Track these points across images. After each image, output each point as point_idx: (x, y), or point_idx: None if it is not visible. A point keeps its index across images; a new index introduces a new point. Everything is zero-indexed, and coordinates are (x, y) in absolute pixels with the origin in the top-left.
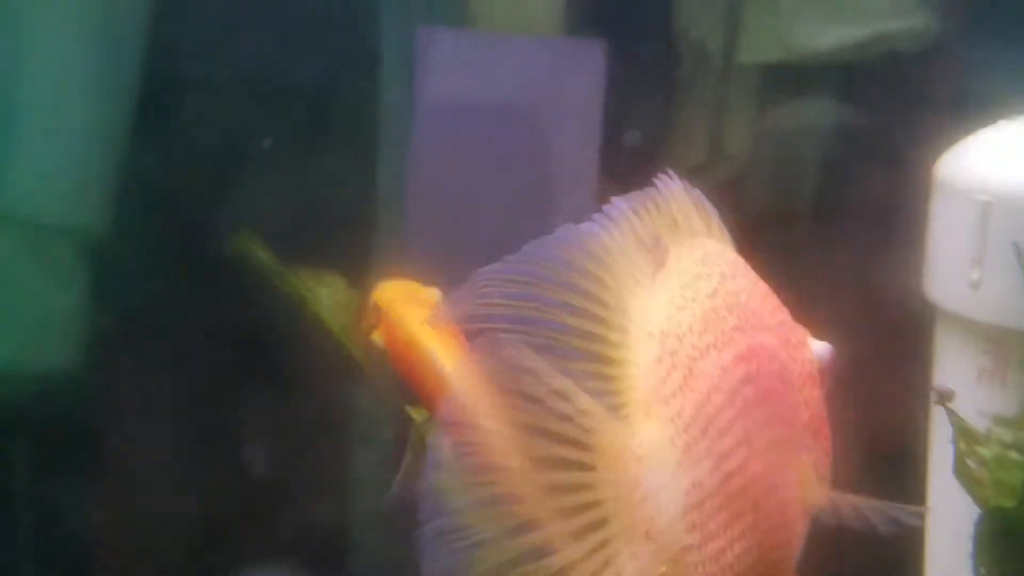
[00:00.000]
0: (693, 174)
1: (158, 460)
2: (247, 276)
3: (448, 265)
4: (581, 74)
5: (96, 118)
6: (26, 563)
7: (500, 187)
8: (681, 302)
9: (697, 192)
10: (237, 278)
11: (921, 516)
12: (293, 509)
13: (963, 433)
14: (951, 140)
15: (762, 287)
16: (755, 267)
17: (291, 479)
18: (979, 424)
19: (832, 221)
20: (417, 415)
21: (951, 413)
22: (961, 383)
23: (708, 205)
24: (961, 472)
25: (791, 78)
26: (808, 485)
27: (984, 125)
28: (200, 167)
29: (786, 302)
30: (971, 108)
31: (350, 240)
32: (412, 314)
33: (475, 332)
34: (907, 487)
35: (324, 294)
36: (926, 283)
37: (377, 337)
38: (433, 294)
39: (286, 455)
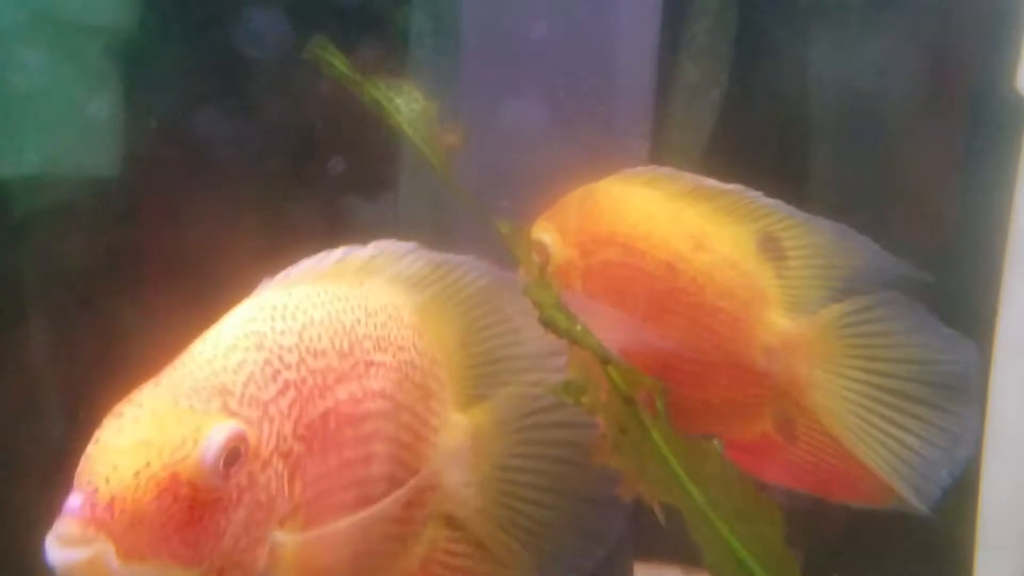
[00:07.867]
0: (694, 92)
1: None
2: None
3: (503, 195)
4: None
5: None
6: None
7: (555, 110)
8: None
9: None
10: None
11: None
12: None
13: None
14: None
15: None
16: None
17: None
18: None
19: None
20: (504, 227)
21: None
22: None
23: None
24: None
25: None
26: None
27: None
28: None
29: None
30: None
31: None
32: None
33: None
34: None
35: (402, 104)
36: (1021, 77)
37: None
38: None
39: None
